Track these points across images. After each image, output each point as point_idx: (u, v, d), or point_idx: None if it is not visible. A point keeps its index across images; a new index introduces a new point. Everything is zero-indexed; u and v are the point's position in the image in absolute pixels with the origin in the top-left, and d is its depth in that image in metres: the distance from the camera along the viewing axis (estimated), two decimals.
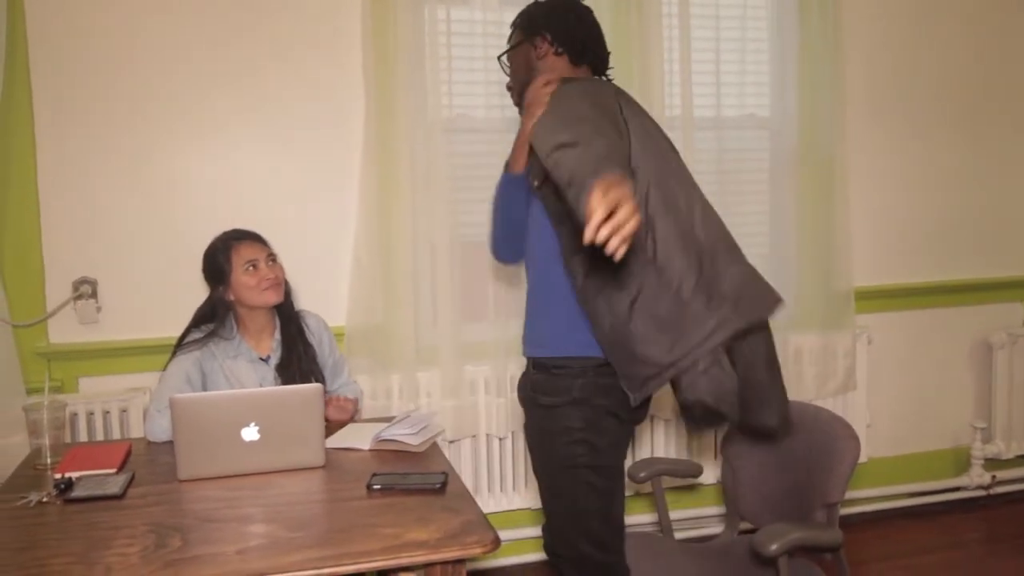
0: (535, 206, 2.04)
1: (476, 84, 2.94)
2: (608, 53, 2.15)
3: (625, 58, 2.95)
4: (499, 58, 2.19)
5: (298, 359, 2.40)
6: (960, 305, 3.61)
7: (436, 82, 2.87)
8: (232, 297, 2.37)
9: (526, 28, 2.11)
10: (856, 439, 2.04)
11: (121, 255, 2.74)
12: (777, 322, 3.20)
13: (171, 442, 1.97)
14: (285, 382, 2.35)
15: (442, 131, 2.88)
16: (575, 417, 1.94)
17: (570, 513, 1.97)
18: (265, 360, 2.39)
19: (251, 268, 2.34)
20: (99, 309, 2.74)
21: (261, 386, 2.33)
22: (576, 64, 2.09)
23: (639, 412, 2.05)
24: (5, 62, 2.56)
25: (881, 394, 3.51)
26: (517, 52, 2.13)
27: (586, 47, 2.09)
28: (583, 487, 1.94)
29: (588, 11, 2.15)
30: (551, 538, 2.07)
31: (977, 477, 3.61)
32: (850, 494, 3.33)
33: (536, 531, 2.44)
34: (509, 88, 2.19)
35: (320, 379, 2.42)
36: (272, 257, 2.41)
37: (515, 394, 2.98)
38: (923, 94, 3.48)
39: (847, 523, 3.41)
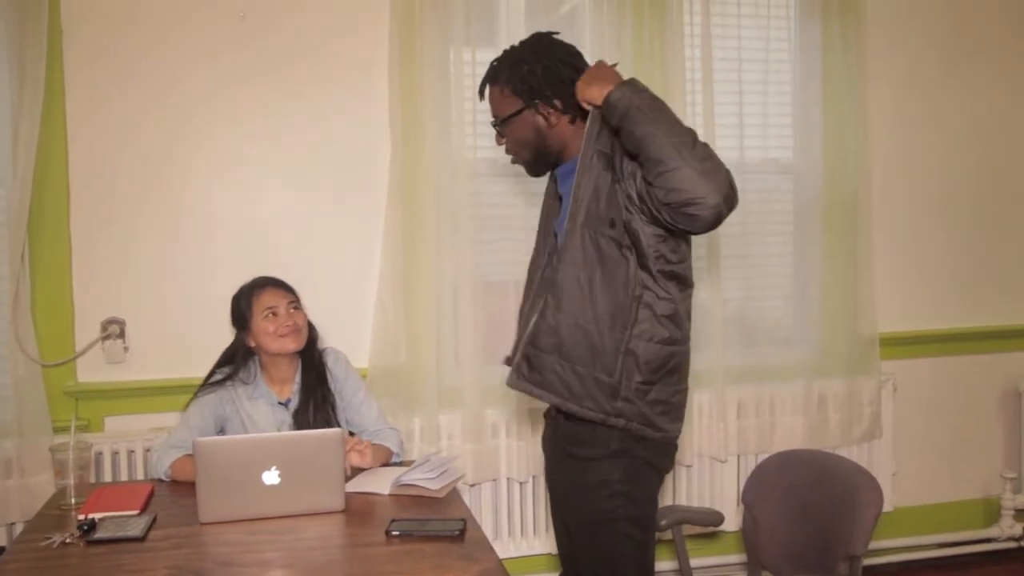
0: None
1: None
2: None
3: None
4: (494, 125, 2.02)
5: (315, 407, 2.37)
6: (988, 352, 3.56)
7: (461, 124, 2.90)
8: (253, 343, 2.39)
9: (525, 94, 1.93)
10: (879, 491, 2.00)
11: (149, 297, 2.79)
12: (801, 367, 3.20)
13: (192, 483, 1.98)
14: (299, 428, 2.33)
15: (467, 173, 2.91)
16: (615, 470, 1.87)
17: (606, 566, 1.90)
18: (284, 404, 2.40)
19: (271, 315, 2.35)
20: (126, 349, 2.78)
21: (279, 430, 2.34)
22: (583, 120, 1.93)
23: (671, 461, 2.01)
24: (43, 104, 2.61)
25: (907, 442, 3.45)
26: (520, 120, 1.96)
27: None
28: (622, 540, 1.88)
29: (578, 55, 1.98)
30: None
31: (1008, 528, 3.53)
32: (877, 544, 3.26)
33: None
34: (500, 142, 2.04)
35: (336, 427, 2.35)
36: (294, 304, 2.40)
37: (536, 437, 3.00)
38: (948, 137, 3.46)
39: (874, 573, 3.34)
